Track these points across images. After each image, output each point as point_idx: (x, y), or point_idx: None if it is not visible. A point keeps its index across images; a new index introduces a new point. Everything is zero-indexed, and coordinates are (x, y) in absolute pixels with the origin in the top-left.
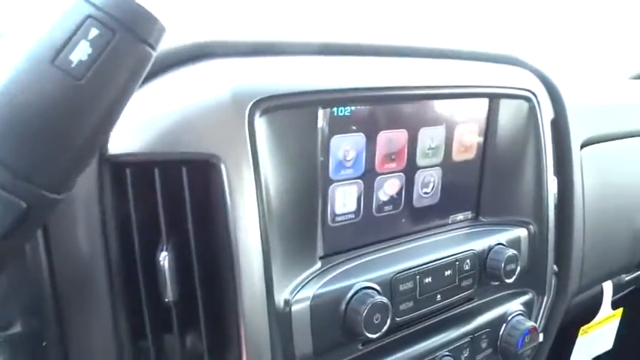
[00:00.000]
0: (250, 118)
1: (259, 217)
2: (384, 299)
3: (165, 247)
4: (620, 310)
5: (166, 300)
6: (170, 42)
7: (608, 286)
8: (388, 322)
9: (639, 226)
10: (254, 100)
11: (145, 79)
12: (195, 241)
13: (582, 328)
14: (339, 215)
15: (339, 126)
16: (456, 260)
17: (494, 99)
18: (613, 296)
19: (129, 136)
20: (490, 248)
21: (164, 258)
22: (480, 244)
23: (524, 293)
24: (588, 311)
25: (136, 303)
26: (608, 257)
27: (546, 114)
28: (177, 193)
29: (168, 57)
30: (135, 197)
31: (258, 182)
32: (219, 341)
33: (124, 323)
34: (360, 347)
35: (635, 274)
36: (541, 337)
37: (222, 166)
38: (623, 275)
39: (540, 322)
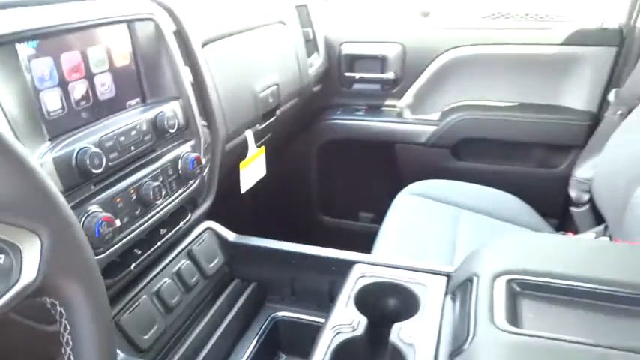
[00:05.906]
0: None
1: None
2: (98, 150)
3: None
4: (263, 148)
5: None
6: None
7: (249, 133)
8: (104, 162)
9: (257, 90)
10: None
11: None
12: None
13: (241, 163)
14: (52, 111)
15: (32, 53)
16: (137, 125)
17: (130, 23)
18: (257, 141)
19: None
20: (157, 114)
21: None
22: (150, 114)
23: (189, 140)
24: (242, 152)
25: None
26: (241, 112)
27: (167, 27)
28: None
29: None
30: None
31: None
32: None
33: None
34: (93, 187)
35: (264, 125)
36: (204, 160)
37: None
38: (257, 125)
39: (203, 154)
